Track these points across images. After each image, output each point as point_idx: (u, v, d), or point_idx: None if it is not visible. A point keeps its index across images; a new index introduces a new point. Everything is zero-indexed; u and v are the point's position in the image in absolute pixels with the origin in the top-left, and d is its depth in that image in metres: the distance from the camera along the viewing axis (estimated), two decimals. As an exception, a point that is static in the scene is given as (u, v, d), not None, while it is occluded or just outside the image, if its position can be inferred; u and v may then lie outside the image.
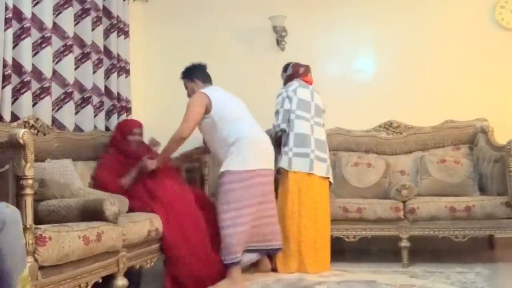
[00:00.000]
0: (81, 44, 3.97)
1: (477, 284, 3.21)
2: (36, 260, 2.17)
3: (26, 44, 3.39)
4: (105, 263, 2.69)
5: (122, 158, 3.74)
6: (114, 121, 4.38)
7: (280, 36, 5.01)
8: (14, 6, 3.31)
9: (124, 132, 3.84)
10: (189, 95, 3.83)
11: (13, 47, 3.30)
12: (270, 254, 3.71)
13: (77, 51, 3.93)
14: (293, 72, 4.14)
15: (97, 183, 3.52)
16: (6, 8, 3.22)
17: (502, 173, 3.83)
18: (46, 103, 3.56)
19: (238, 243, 3.36)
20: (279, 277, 3.60)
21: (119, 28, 4.54)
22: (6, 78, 3.20)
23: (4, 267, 1.79)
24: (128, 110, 4.64)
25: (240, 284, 3.32)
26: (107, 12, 4.38)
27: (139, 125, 3.91)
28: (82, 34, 3.98)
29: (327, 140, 4.10)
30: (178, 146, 3.64)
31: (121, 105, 4.53)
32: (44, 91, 3.54)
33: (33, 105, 3.48)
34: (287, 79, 4.16)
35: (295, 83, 4.02)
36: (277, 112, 3.99)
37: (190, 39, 5.20)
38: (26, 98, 3.38)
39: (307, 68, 4.18)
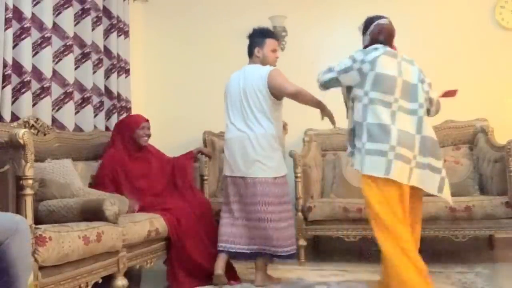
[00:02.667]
0: (81, 44, 3.97)
1: (477, 284, 3.22)
2: (36, 260, 2.17)
3: (26, 44, 3.39)
4: (105, 263, 2.69)
5: (131, 152, 3.70)
6: (114, 121, 4.38)
7: (280, 36, 5.01)
8: (14, 6, 3.31)
9: (132, 126, 3.76)
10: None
11: (13, 47, 3.30)
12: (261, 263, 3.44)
13: (77, 51, 3.93)
14: (378, 32, 2.92)
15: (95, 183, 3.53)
16: (6, 8, 3.22)
17: (502, 173, 3.83)
18: (46, 103, 3.56)
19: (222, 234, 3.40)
20: (279, 276, 3.59)
21: (119, 28, 4.54)
22: (6, 78, 3.20)
23: (13, 271, 1.83)
24: (128, 110, 4.64)
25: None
26: (107, 12, 4.38)
27: (146, 119, 3.85)
28: (82, 34, 3.98)
29: (328, 140, 4.04)
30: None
31: (121, 105, 4.53)
32: (44, 91, 3.54)
33: (33, 105, 3.48)
34: (371, 42, 2.91)
35: (378, 49, 2.78)
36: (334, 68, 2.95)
37: (190, 39, 5.20)
38: (26, 98, 3.38)
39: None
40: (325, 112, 3.39)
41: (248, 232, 3.35)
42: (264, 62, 3.47)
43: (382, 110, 2.69)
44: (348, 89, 2.92)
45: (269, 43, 3.49)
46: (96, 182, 3.54)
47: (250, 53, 3.53)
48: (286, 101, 5.02)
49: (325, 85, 2.98)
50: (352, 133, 2.88)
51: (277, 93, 3.38)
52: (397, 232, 2.67)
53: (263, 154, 3.32)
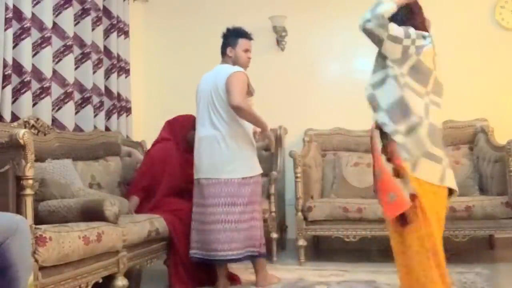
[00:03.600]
0: (81, 44, 3.97)
1: (477, 284, 3.22)
2: (36, 260, 2.17)
3: (26, 44, 3.39)
4: (105, 263, 2.69)
5: (181, 152, 3.73)
6: (114, 121, 4.38)
7: (280, 36, 5.01)
8: (14, 6, 3.31)
9: (187, 128, 3.76)
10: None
11: (13, 47, 3.30)
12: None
13: (77, 51, 3.93)
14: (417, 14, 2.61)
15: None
16: (6, 8, 3.22)
17: (502, 173, 3.84)
18: (46, 103, 3.56)
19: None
20: (279, 276, 3.59)
21: (119, 28, 4.54)
22: (6, 78, 3.20)
23: (14, 271, 1.83)
24: (128, 110, 4.64)
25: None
26: (107, 12, 4.38)
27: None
28: (82, 34, 3.98)
29: (328, 140, 4.03)
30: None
31: (121, 105, 4.53)
32: (44, 91, 3.54)
33: (33, 105, 3.48)
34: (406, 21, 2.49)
35: (426, 38, 2.47)
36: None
37: (190, 39, 5.20)
38: (26, 98, 3.38)
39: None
40: (265, 133, 3.45)
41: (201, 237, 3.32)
42: (236, 62, 3.42)
43: (416, 100, 2.40)
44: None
45: (242, 43, 3.45)
46: (136, 175, 3.68)
47: (223, 53, 3.50)
48: (285, 101, 5.05)
49: (366, 33, 2.43)
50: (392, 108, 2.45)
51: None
52: None
53: (230, 154, 3.26)
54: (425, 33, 2.49)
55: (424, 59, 2.44)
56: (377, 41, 2.43)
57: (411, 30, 2.43)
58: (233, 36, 3.46)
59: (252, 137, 3.43)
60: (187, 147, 3.76)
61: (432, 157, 2.37)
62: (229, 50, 3.45)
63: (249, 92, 3.43)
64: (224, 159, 3.25)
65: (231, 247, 3.20)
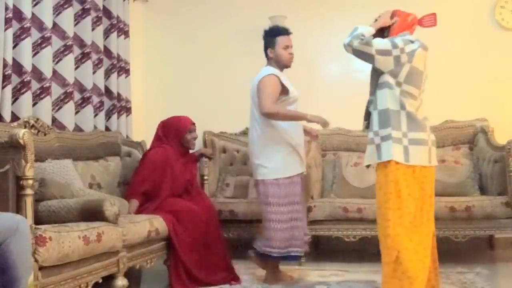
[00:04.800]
0: (81, 44, 3.97)
1: (477, 284, 3.22)
2: (36, 260, 2.17)
3: (26, 44, 3.39)
4: (105, 263, 2.69)
5: (177, 154, 3.74)
6: (114, 121, 4.38)
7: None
8: (14, 6, 3.31)
9: (180, 130, 3.78)
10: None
11: (13, 47, 3.30)
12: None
13: (77, 51, 3.93)
14: (402, 23, 2.79)
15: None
16: (6, 8, 3.22)
17: (502, 173, 3.84)
18: (46, 103, 3.56)
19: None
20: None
21: (119, 28, 4.54)
22: (6, 78, 3.20)
23: (14, 271, 1.83)
24: (128, 110, 4.64)
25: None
26: (107, 12, 4.38)
27: (192, 122, 3.86)
28: (82, 34, 3.97)
29: (328, 140, 4.06)
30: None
31: (121, 105, 4.53)
32: (44, 91, 3.54)
33: (33, 105, 3.48)
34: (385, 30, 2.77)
35: (414, 42, 2.64)
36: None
37: (190, 39, 5.20)
38: (26, 98, 3.37)
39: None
40: (313, 120, 3.34)
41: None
42: (278, 61, 3.42)
43: (412, 103, 2.59)
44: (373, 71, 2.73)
45: (280, 41, 3.41)
46: (134, 179, 3.66)
47: (266, 56, 3.49)
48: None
49: (356, 54, 2.66)
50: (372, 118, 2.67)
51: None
52: None
53: (263, 155, 3.35)
54: (412, 38, 2.65)
55: (416, 63, 2.59)
56: (368, 58, 2.62)
57: (397, 40, 2.60)
58: (270, 36, 3.44)
59: (290, 138, 3.37)
60: (182, 151, 3.79)
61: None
62: (269, 52, 3.44)
63: (284, 91, 3.39)
64: (254, 160, 3.41)
65: (270, 244, 3.33)
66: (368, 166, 2.83)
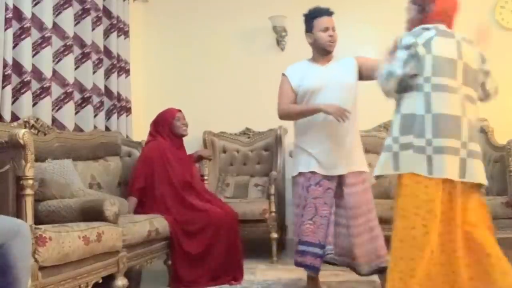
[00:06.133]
0: (81, 44, 3.97)
1: (477, 284, 3.21)
2: (36, 260, 2.17)
3: (26, 44, 3.38)
4: (105, 263, 2.69)
5: (173, 143, 3.80)
6: (114, 121, 4.38)
7: (280, 36, 5.02)
8: (14, 6, 3.31)
9: (167, 118, 3.83)
10: None
11: (13, 47, 3.30)
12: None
13: (77, 51, 3.93)
14: (437, 11, 2.38)
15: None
16: (6, 8, 3.22)
17: (502, 173, 3.84)
18: (46, 103, 3.56)
19: None
20: (279, 276, 3.60)
21: (119, 28, 4.54)
22: (6, 78, 3.20)
23: (13, 274, 1.84)
24: (128, 110, 4.64)
25: None
26: (107, 12, 4.37)
27: (178, 109, 3.91)
28: (82, 34, 3.97)
29: None
30: None
31: (121, 105, 4.53)
32: (44, 91, 3.54)
33: (33, 105, 3.48)
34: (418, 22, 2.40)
35: (430, 29, 2.33)
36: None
37: (190, 39, 5.21)
38: (26, 98, 3.37)
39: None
40: (329, 111, 2.90)
41: None
42: (317, 46, 3.06)
43: (451, 97, 2.23)
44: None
45: (318, 23, 3.04)
46: (133, 175, 3.69)
47: (308, 42, 3.16)
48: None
49: (396, 92, 2.35)
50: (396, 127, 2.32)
51: None
52: None
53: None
54: (428, 25, 2.35)
55: (439, 51, 2.27)
56: (403, 81, 2.31)
57: (405, 39, 2.33)
58: (307, 20, 3.11)
59: (308, 132, 3.04)
60: (177, 141, 3.82)
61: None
62: (308, 37, 3.11)
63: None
64: None
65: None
66: (378, 177, 2.42)
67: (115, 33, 4.45)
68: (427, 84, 2.25)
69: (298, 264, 3.01)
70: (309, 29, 3.08)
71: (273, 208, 4.14)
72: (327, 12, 3.07)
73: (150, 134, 3.88)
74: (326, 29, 3.03)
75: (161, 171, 3.63)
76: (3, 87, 3.18)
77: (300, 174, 3.02)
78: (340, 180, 3.00)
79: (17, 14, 3.33)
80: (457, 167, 2.19)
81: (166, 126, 3.82)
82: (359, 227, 2.97)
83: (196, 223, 3.45)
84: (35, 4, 3.52)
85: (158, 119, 3.90)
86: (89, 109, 3.99)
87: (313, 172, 2.96)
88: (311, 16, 3.09)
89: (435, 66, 2.25)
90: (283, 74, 3.12)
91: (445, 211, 2.21)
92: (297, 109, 3.04)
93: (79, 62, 3.95)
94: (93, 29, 4.10)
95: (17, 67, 3.33)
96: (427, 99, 2.24)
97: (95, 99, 4.11)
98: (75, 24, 3.91)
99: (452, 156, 2.19)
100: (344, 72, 3.04)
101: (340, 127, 2.93)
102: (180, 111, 3.89)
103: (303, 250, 2.93)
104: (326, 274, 3.62)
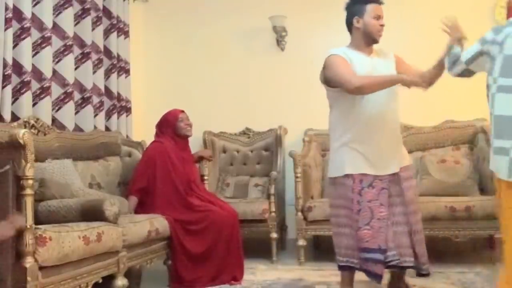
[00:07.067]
0: (81, 44, 3.97)
1: (477, 284, 3.22)
2: (36, 260, 2.17)
3: (26, 44, 3.38)
4: (105, 263, 2.69)
5: (178, 144, 3.82)
6: (114, 121, 4.38)
7: (280, 36, 5.01)
8: (14, 6, 3.31)
9: (170, 120, 3.85)
10: None
11: (13, 47, 3.30)
12: None
13: (77, 51, 3.93)
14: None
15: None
16: (6, 8, 3.22)
17: (502, 173, 3.83)
18: (46, 103, 3.56)
19: None
20: (279, 276, 3.60)
21: (119, 28, 4.54)
22: (6, 78, 3.20)
23: None
24: (128, 110, 4.64)
25: None
26: (107, 12, 4.37)
27: (181, 110, 3.92)
28: (82, 34, 3.97)
29: (328, 140, 3.97)
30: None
31: (121, 105, 4.53)
32: (44, 91, 3.54)
33: (33, 105, 3.48)
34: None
35: (509, 25, 2.23)
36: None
37: (190, 39, 5.20)
38: (26, 98, 3.37)
39: None
40: (407, 83, 2.72)
41: None
42: (367, 33, 2.84)
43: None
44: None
45: (371, 9, 2.82)
46: (134, 175, 3.71)
47: (349, 28, 2.90)
48: (285, 101, 5.05)
49: (460, 76, 2.48)
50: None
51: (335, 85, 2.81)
52: None
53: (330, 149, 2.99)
54: (508, 20, 2.25)
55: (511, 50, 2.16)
56: (468, 72, 2.40)
57: (487, 34, 2.29)
58: (358, 3, 2.86)
59: (354, 127, 2.80)
60: (181, 143, 3.82)
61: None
62: (356, 21, 2.84)
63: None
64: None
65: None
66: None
67: (115, 33, 4.45)
68: (494, 85, 2.19)
69: (363, 271, 2.78)
70: (358, 13, 2.84)
71: (273, 208, 4.14)
72: (379, 1, 2.89)
73: (156, 135, 3.90)
74: (378, 17, 2.85)
75: (162, 171, 3.63)
76: (3, 87, 3.18)
77: (347, 175, 2.77)
78: (394, 177, 2.81)
79: (17, 14, 3.33)
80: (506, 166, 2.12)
81: (170, 127, 3.83)
82: (418, 224, 2.86)
83: (197, 224, 3.46)
84: (35, 4, 3.52)
85: (162, 120, 3.91)
86: (89, 109, 3.99)
87: (363, 174, 2.75)
88: (368, 1, 2.85)
89: (504, 67, 2.15)
90: (332, 54, 2.82)
91: None
92: (379, 80, 2.72)
93: (79, 62, 3.96)
94: (93, 29, 4.10)
95: (17, 67, 3.33)
96: (492, 99, 2.18)
97: (95, 99, 4.11)
98: (75, 24, 3.91)
99: (504, 156, 2.11)
100: (389, 66, 2.90)
101: (390, 120, 2.81)
102: (183, 111, 3.90)
103: (369, 257, 2.69)
104: (326, 274, 3.62)
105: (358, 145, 2.77)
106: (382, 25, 2.85)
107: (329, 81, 2.82)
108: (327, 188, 3.07)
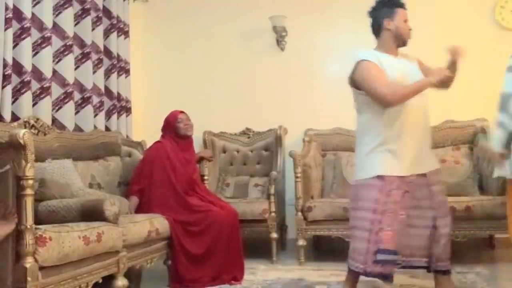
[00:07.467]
0: (81, 44, 3.97)
1: (477, 284, 3.22)
2: (36, 260, 2.17)
3: (26, 44, 3.38)
4: (105, 263, 2.69)
5: (179, 144, 3.83)
6: (114, 121, 4.38)
7: (280, 36, 5.02)
8: (14, 6, 3.30)
9: (170, 122, 3.87)
10: None
11: (13, 47, 3.30)
12: None
13: (77, 51, 3.93)
14: None
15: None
16: (6, 8, 3.22)
17: (502, 173, 3.83)
18: (46, 103, 3.56)
19: None
20: (279, 276, 3.60)
21: (119, 28, 4.54)
22: (6, 78, 3.20)
23: None
24: (128, 110, 4.64)
25: None
26: (107, 12, 4.38)
27: (180, 111, 3.93)
28: (82, 34, 3.97)
29: (328, 140, 3.97)
30: None
31: (121, 105, 4.53)
32: (44, 91, 3.54)
33: (33, 105, 3.48)
34: None
35: None
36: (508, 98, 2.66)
37: (190, 39, 5.21)
38: (26, 98, 3.37)
39: None
40: (439, 78, 2.73)
41: None
42: (397, 36, 2.88)
43: None
44: None
45: (401, 12, 2.89)
46: (134, 175, 3.73)
47: (377, 31, 2.92)
48: (285, 101, 5.05)
49: None
50: None
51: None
52: None
53: (357, 153, 2.98)
54: None
55: None
56: None
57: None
58: (387, 6, 2.91)
59: (385, 127, 2.80)
60: (182, 143, 3.84)
61: None
62: (386, 23, 2.87)
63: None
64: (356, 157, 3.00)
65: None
66: None
67: (115, 33, 4.45)
68: None
69: (374, 275, 2.76)
70: (390, 15, 2.88)
71: (273, 208, 4.14)
72: (405, 6, 2.96)
73: (161, 137, 3.92)
74: (406, 21, 2.92)
75: (161, 172, 3.64)
76: (3, 87, 3.18)
77: (379, 177, 2.74)
78: (422, 179, 2.82)
79: (17, 14, 3.33)
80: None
81: (170, 128, 3.85)
82: (446, 228, 2.88)
83: (198, 224, 3.46)
84: (35, 4, 3.52)
85: (164, 123, 3.93)
86: (89, 109, 3.99)
87: (395, 176, 2.74)
88: (396, 4, 2.92)
89: None
90: (363, 59, 2.82)
91: None
92: (412, 88, 2.74)
93: (79, 62, 3.96)
94: (93, 29, 4.10)
95: (17, 67, 3.33)
96: None
97: (95, 99, 4.11)
98: (75, 24, 3.91)
99: None
100: (414, 68, 2.93)
101: (422, 121, 2.83)
102: (182, 112, 3.91)
103: (384, 259, 2.69)
104: (326, 274, 3.62)
105: (390, 146, 2.76)
106: (410, 29, 2.91)
107: (359, 86, 2.83)
108: (350, 191, 3.00)
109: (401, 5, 2.93)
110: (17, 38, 3.34)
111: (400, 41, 2.90)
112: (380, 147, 2.78)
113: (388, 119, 2.76)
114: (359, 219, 2.80)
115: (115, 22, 4.45)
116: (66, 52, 3.76)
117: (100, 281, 2.66)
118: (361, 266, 2.76)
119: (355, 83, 2.85)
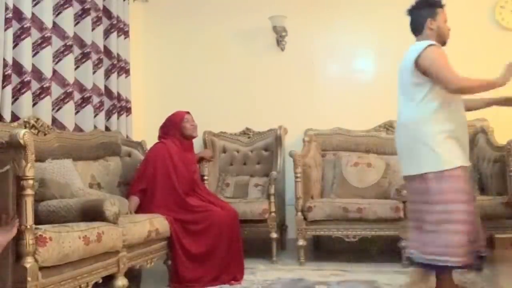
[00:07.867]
0: (81, 44, 3.97)
1: (477, 284, 3.22)
2: (36, 260, 2.17)
3: (26, 44, 3.38)
4: (105, 263, 2.69)
5: (183, 145, 3.83)
6: (114, 121, 4.38)
7: (280, 36, 5.02)
8: (14, 6, 3.31)
9: (177, 122, 3.86)
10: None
11: (13, 47, 3.30)
12: None
13: (77, 51, 3.93)
14: None
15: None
16: (6, 8, 3.22)
17: (502, 173, 3.84)
18: (46, 103, 3.56)
19: None
20: (279, 276, 3.60)
21: (119, 28, 4.54)
22: (6, 78, 3.20)
23: None
24: (128, 110, 4.64)
25: None
26: (107, 12, 4.38)
27: (186, 111, 3.93)
28: (82, 34, 3.97)
29: (328, 140, 3.97)
30: None
31: (121, 105, 4.53)
32: (44, 91, 3.54)
33: (33, 105, 3.48)
34: None
35: None
36: None
37: (190, 39, 5.21)
38: (26, 98, 3.37)
39: None
40: (500, 85, 2.80)
41: None
42: (440, 36, 2.93)
43: None
44: None
45: (442, 13, 2.96)
46: (136, 175, 3.72)
47: (419, 29, 2.95)
48: (285, 101, 5.05)
49: None
50: None
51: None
52: None
53: (405, 146, 2.88)
54: None
55: None
56: None
57: None
58: (429, 6, 2.95)
59: (450, 119, 2.77)
60: (186, 143, 3.83)
61: None
62: (429, 22, 2.91)
63: None
64: (402, 152, 2.92)
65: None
66: None
67: (115, 33, 4.45)
68: None
69: (472, 266, 2.73)
70: (433, 15, 2.94)
71: (273, 208, 4.14)
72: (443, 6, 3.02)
73: (159, 137, 3.90)
74: (446, 21, 2.99)
75: (162, 172, 3.64)
76: (3, 87, 3.18)
77: (461, 167, 2.70)
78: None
79: (17, 14, 3.34)
80: None
81: (176, 128, 3.84)
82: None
83: (198, 224, 3.46)
84: (35, 4, 3.52)
85: (167, 122, 3.92)
86: (89, 109, 3.99)
87: (465, 166, 2.75)
88: (439, 4, 2.98)
89: None
90: (433, 44, 2.82)
91: None
92: (480, 83, 2.81)
93: (79, 62, 3.96)
94: (93, 29, 4.10)
95: (17, 67, 3.33)
96: None
97: (95, 99, 4.11)
98: (75, 24, 3.91)
99: None
100: None
101: (465, 116, 2.89)
102: (188, 113, 3.91)
103: (472, 250, 2.67)
104: (326, 274, 3.62)
105: (458, 136, 2.77)
106: (449, 29, 2.99)
107: (426, 70, 2.79)
108: (409, 185, 2.90)
109: (442, 6, 2.98)
110: (17, 38, 3.34)
111: (441, 41, 2.93)
112: (451, 137, 2.74)
113: (454, 109, 2.79)
114: (445, 212, 2.66)
115: (115, 22, 4.45)
116: (66, 52, 3.76)
117: (100, 281, 2.66)
118: (460, 259, 2.61)
119: (421, 67, 2.80)
